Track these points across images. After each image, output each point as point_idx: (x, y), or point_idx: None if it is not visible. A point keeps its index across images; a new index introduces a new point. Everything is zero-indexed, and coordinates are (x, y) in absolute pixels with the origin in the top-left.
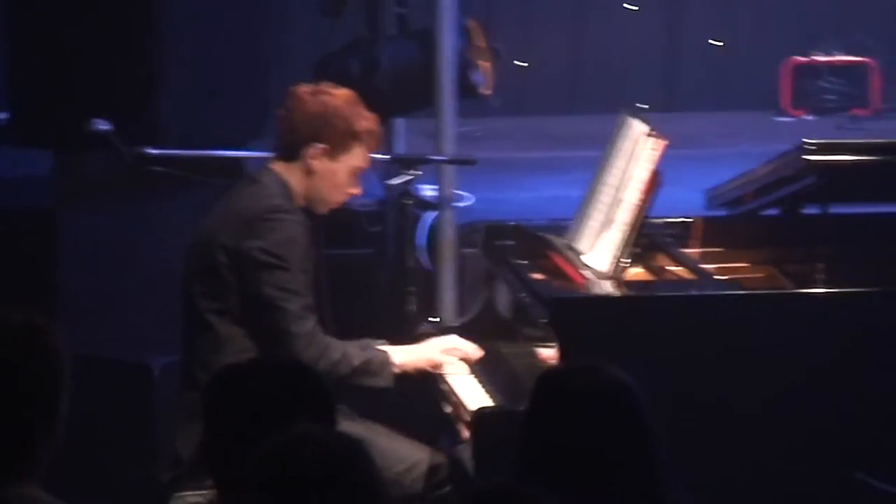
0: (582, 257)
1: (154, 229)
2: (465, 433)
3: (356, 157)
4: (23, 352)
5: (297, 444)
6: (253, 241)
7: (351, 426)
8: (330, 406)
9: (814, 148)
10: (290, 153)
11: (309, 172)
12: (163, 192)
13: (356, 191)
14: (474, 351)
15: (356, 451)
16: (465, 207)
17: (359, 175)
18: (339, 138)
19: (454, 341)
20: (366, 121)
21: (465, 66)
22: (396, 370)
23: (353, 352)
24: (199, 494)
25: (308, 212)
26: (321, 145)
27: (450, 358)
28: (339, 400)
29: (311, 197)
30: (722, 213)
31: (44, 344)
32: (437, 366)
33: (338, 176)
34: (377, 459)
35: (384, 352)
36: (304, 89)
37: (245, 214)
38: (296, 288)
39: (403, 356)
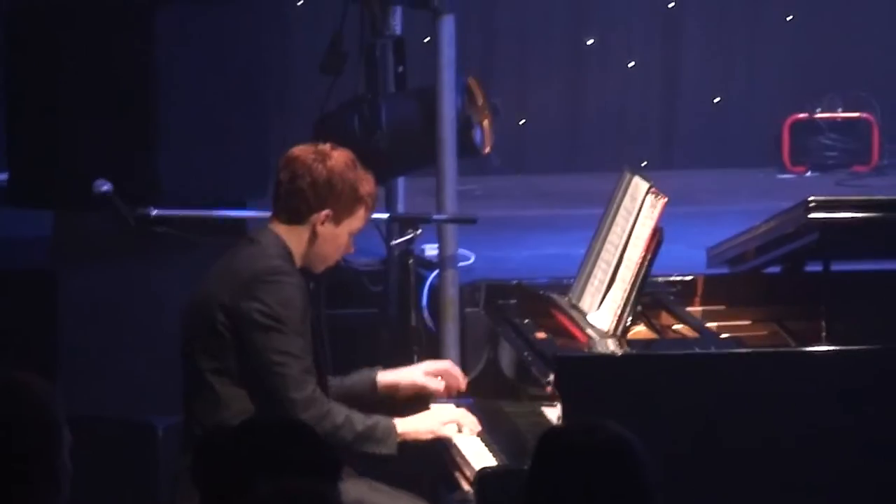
0: (585, 316)
1: (154, 289)
2: (468, 489)
3: (358, 220)
4: (7, 410)
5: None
6: (252, 303)
7: (354, 485)
8: (329, 463)
9: (818, 205)
10: (294, 218)
11: (313, 236)
12: (163, 251)
13: (350, 249)
14: (474, 424)
15: None
16: (466, 266)
17: (355, 234)
18: (344, 204)
19: (456, 413)
20: (367, 183)
21: (465, 125)
22: (399, 439)
23: (356, 417)
24: None
25: (306, 272)
26: (328, 211)
27: (452, 430)
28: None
29: (310, 258)
30: (724, 270)
31: (29, 400)
32: (440, 437)
33: (340, 239)
34: None
35: (388, 419)
36: (305, 153)
37: (244, 275)
38: (294, 351)
39: (406, 425)
